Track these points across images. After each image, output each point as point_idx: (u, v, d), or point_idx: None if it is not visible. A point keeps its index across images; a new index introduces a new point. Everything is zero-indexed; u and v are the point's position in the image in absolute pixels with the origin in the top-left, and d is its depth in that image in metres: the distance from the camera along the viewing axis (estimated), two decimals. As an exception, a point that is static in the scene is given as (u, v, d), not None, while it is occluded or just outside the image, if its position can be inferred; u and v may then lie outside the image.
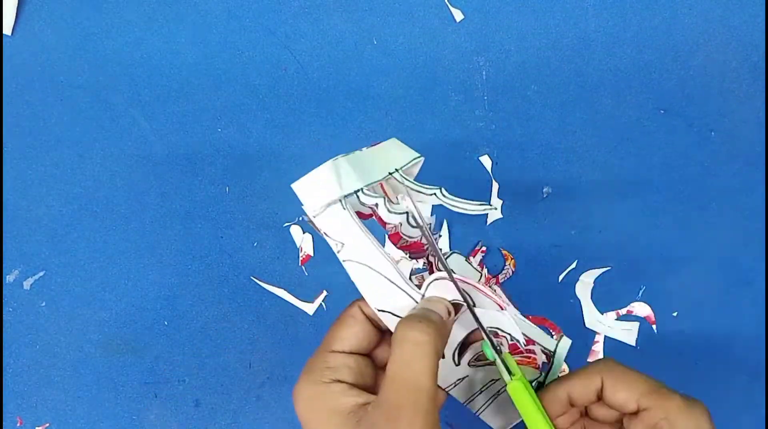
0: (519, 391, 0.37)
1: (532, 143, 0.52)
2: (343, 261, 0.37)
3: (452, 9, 0.52)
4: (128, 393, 0.51)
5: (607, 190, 0.53)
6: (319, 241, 0.52)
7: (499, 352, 0.37)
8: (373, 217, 0.38)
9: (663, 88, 0.53)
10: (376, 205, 0.37)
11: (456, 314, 0.38)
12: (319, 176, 0.36)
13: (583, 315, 0.52)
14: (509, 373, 0.37)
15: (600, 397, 0.38)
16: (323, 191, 0.35)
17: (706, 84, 0.53)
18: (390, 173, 0.38)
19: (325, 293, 0.52)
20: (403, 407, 0.33)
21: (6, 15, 0.51)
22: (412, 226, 0.39)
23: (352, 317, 0.38)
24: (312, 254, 0.52)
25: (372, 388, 0.37)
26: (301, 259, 0.52)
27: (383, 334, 0.39)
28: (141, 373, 0.51)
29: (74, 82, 0.52)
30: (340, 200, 0.35)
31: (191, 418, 0.51)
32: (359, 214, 0.37)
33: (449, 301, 0.37)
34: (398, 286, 0.37)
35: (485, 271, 0.51)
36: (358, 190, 0.36)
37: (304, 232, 0.52)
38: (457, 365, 0.39)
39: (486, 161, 0.52)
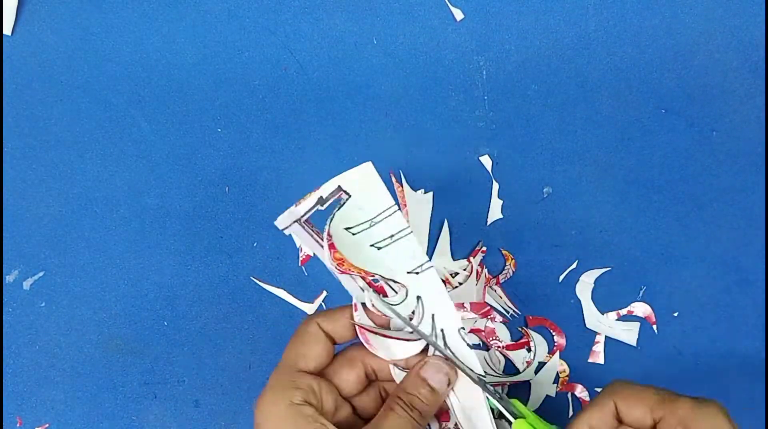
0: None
1: (533, 143, 0.52)
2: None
3: (452, 8, 0.52)
4: (128, 393, 0.51)
5: (607, 190, 0.53)
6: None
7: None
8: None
9: (664, 87, 0.53)
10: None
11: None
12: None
13: (583, 315, 0.52)
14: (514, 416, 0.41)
15: (620, 421, 0.38)
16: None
17: (707, 83, 0.53)
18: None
19: (325, 293, 0.52)
20: None
21: (6, 15, 0.51)
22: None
23: (313, 334, 0.40)
24: (312, 254, 0.52)
25: (328, 413, 0.39)
26: (301, 259, 0.52)
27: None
28: (140, 374, 0.51)
29: (74, 82, 0.52)
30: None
31: (191, 418, 0.51)
32: None
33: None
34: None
35: (485, 271, 0.51)
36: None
37: (304, 232, 0.52)
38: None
39: (486, 161, 0.52)
